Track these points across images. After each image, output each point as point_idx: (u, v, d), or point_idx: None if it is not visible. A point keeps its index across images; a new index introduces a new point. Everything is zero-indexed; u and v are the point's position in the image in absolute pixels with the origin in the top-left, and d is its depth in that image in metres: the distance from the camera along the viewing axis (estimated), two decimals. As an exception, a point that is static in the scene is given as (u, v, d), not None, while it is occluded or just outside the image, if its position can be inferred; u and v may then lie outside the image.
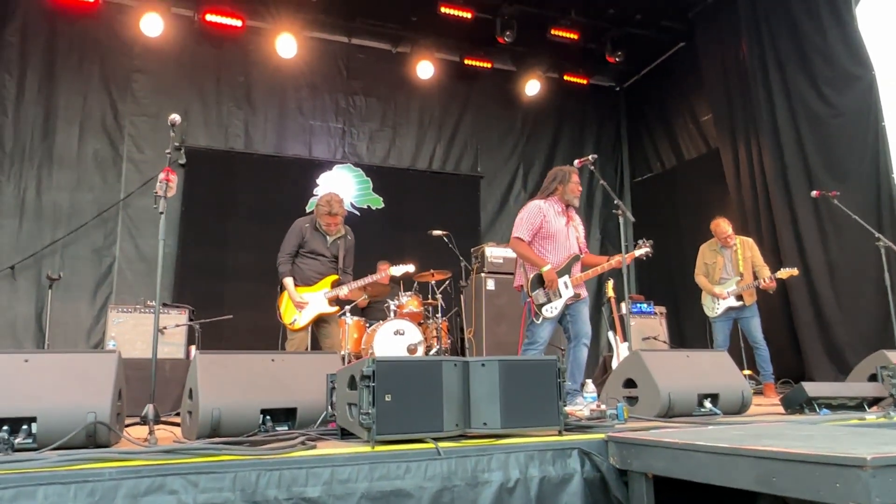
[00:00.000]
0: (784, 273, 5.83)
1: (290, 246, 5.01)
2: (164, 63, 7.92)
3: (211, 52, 8.12)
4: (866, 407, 3.48)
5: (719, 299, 6.12)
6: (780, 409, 3.60)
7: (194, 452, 1.98)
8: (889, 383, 3.61)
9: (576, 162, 4.68)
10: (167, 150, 3.17)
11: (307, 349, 5.76)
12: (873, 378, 3.88)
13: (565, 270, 4.37)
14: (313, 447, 2.20)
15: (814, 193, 5.73)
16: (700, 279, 6.37)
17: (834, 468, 1.63)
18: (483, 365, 2.40)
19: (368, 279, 5.33)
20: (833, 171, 6.88)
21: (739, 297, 6.00)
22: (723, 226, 6.27)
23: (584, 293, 4.46)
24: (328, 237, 5.07)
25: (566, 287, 4.34)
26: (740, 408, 3.46)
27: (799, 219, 6.86)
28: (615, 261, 4.47)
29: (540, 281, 4.33)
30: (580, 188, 4.54)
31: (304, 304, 4.90)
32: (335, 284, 5.05)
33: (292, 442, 2.26)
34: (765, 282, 5.83)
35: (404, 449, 2.17)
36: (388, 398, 2.20)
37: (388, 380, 2.21)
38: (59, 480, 1.79)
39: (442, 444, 2.20)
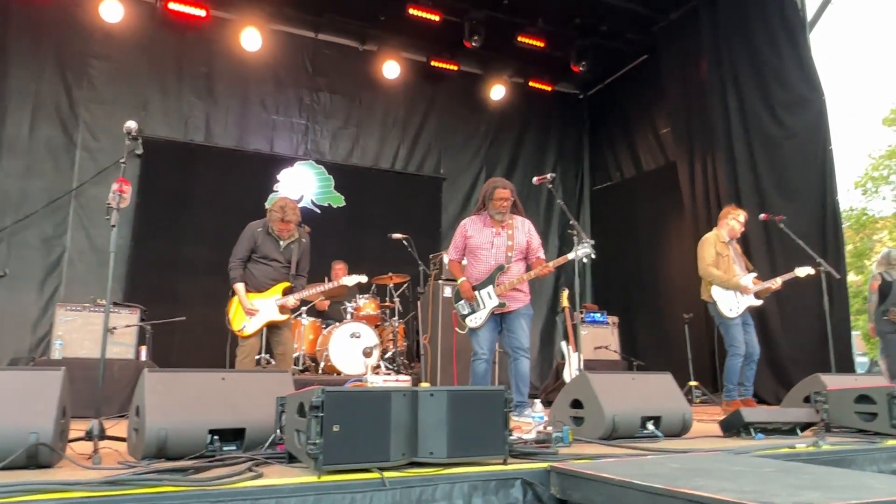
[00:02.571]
0: (802, 272, 5.46)
1: (242, 251, 4.93)
2: (123, 50, 7.73)
3: (173, 42, 7.95)
4: (799, 431, 3.65)
5: (741, 295, 5.47)
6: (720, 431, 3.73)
7: (138, 483, 1.98)
8: (821, 408, 3.79)
9: (535, 180, 4.76)
10: (121, 160, 3.11)
11: (260, 351, 5.74)
12: (808, 400, 4.08)
13: (488, 281, 4.49)
14: (259, 475, 2.21)
15: (762, 217, 5.91)
16: (712, 271, 5.52)
17: (755, 517, 1.72)
18: (432, 395, 2.45)
19: (319, 287, 5.30)
20: (783, 191, 7.13)
21: (759, 297, 5.55)
22: (743, 215, 5.70)
23: (514, 305, 4.50)
24: (281, 241, 5.00)
25: (489, 297, 4.47)
26: (681, 430, 3.59)
27: (749, 236, 7.09)
28: (539, 271, 4.46)
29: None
30: (505, 204, 4.52)
31: (254, 311, 4.84)
32: (287, 291, 5.00)
33: (239, 468, 2.27)
34: (776, 283, 5.46)
35: (350, 479, 2.19)
36: (336, 429, 2.22)
37: (336, 410, 2.24)
38: (-3, 514, 1.77)
39: (388, 475, 2.24)
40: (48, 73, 7.43)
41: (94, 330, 5.22)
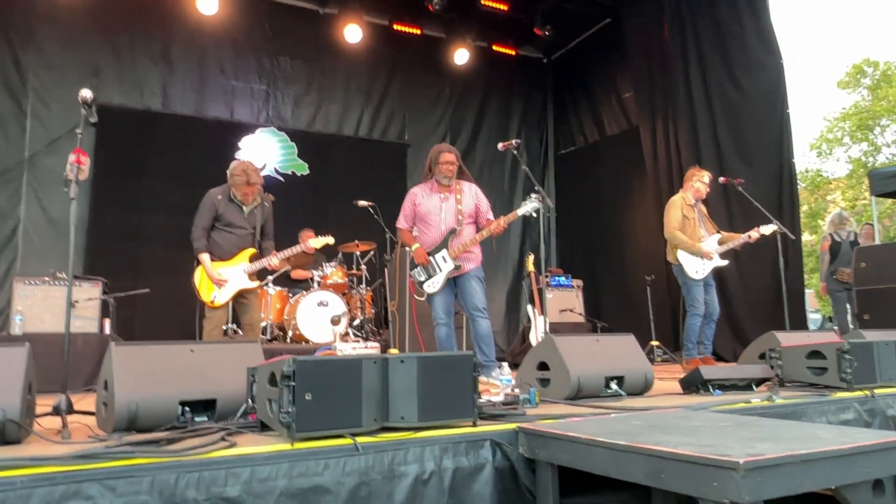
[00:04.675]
0: (767, 229, 5.53)
1: (204, 220, 4.83)
2: (71, 13, 7.42)
3: (125, 4, 7.67)
4: (754, 387, 3.81)
5: (705, 260, 5.55)
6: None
7: (110, 456, 1.98)
8: (775, 364, 3.95)
9: (500, 146, 4.77)
10: (77, 130, 3.02)
11: (227, 322, 5.71)
12: (763, 357, 4.25)
13: (442, 245, 4.56)
14: (233, 444, 2.23)
15: (721, 180, 6.04)
16: (678, 235, 5.59)
17: (712, 469, 1.81)
18: (402, 361, 2.48)
19: (288, 252, 5.18)
20: (742, 154, 7.29)
21: (724, 256, 5.65)
22: (707, 176, 5.77)
23: (469, 266, 4.57)
24: (244, 207, 4.92)
25: (444, 260, 4.54)
26: (643, 389, 3.71)
27: (709, 199, 7.24)
28: (493, 228, 4.50)
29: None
30: (451, 168, 4.58)
31: (223, 281, 4.79)
32: (254, 258, 4.94)
33: (212, 438, 2.29)
34: (751, 237, 5.54)
35: (323, 445, 2.23)
36: (307, 397, 2.25)
37: (308, 379, 2.26)
38: (-33, 491, 1.76)
39: (360, 440, 2.28)
40: (-8, 38, 7.11)
41: (55, 304, 5.12)
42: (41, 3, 7.30)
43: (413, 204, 4.70)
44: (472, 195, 4.71)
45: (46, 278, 5.24)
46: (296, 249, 5.25)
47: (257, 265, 4.90)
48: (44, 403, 2.81)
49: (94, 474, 1.90)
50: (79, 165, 2.91)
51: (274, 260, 4.92)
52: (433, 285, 4.56)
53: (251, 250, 4.94)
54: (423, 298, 4.67)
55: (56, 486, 1.84)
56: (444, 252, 4.54)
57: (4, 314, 6.65)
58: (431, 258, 4.55)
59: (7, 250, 7.06)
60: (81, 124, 3.07)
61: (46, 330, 5.01)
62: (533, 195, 4.48)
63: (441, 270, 4.53)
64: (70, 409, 2.82)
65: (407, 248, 4.79)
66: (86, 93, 3.17)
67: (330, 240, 5.41)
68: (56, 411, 2.80)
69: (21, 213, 7.15)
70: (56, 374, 4.15)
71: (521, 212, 4.53)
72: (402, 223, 4.78)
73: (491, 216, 4.73)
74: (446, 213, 4.60)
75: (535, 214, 4.56)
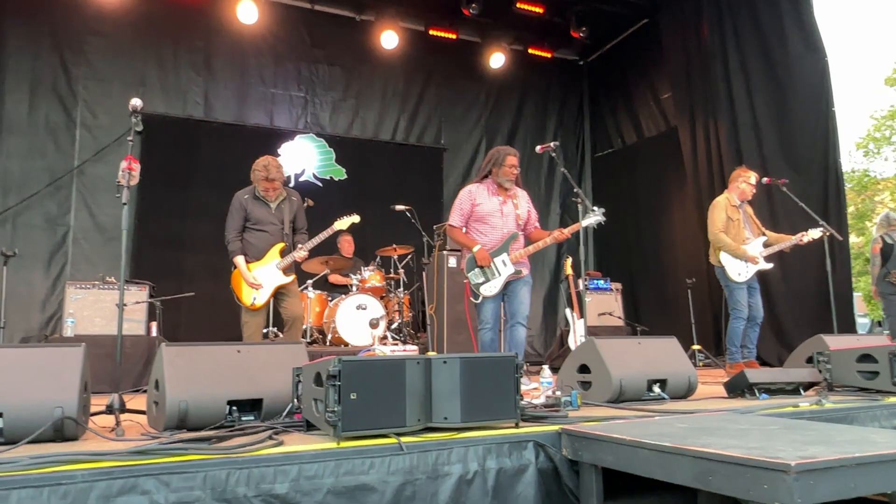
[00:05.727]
0: (816, 233, 5.39)
1: (235, 222, 4.81)
2: (119, 26, 7.66)
3: (169, 16, 7.88)
4: (802, 391, 3.72)
5: (749, 263, 5.42)
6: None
7: (165, 452, 2.05)
8: (823, 368, 3.86)
9: (538, 148, 4.76)
10: (129, 137, 3.12)
11: (268, 325, 5.79)
12: (811, 360, 4.15)
13: (503, 248, 4.45)
14: (280, 442, 2.28)
15: (765, 180, 5.90)
16: (721, 237, 5.47)
17: (762, 471, 1.79)
18: (445, 362, 2.50)
19: (316, 239, 5.00)
20: (785, 154, 7.12)
21: (769, 259, 5.49)
22: (753, 177, 5.64)
23: (525, 272, 4.51)
24: (270, 203, 4.89)
25: (504, 265, 4.42)
26: (686, 392, 3.66)
27: (753, 201, 7.10)
28: (556, 235, 4.46)
29: (476, 261, 4.44)
30: (515, 171, 4.51)
31: (258, 285, 4.76)
32: (284, 252, 4.87)
33: (260, 437, 2.34)
34: (801, 240, 5.37)
35: (368, 444, 2.26)
36: (353, 396, 2.28)
37: (353, 378, 2.30)
38: (32, 484, 1.83)
39: (404, 440, 2.31)
40: (45, 51, 7.39)
41: (105, 307, 5.28)
42: (91, 19, 7.55)
43: (472, 203, 4.53)
44: (526, 202, 4.66)
45: (96, 282, 5.40)
46: (322, 236, 5.05)
47: (288, 259, 4.83)
48: (96, 403, 2.91)
49: (149, 469, 1.96)
50: (130, 171, 3.01)
51: (301, 252, 4.83)
52: (491, 288, 4.41)
53: (281, 244, 4.88)
54: (478, 301, 4.46)
55: (114, 479, 1.91)
56: (504, 256, 4.42)
57: (57, 317, 6.90)
58: (492, 260, 4.43)
59: (58, 256, 7.31)
60: (131, 132, 3.17)
61: (96, 332, 5.18)
62: (597, 208, 4.44)
63: (500, 274, 4.41)
64: (123, 408, 2.91)
65: (463, 249, 4.61)
66: (136, 102, 3.28)
67: (355, 218, 5.26)
68: (109, 410, 2.89)
69: (71, 220, 7.39)
70: (106, 375, 4.31)
71: (585, 223, 4.47)
72: (456, 221, 4.57)
73: (538, 225, 4.71)
74: (507, 216, 4.50)
75: (595, 227, 4.53)
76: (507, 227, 4.51)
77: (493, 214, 4.50)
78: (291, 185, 8.10)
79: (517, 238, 4.51)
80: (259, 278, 4.79)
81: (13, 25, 7.25)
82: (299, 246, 4.90)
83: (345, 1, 8.68)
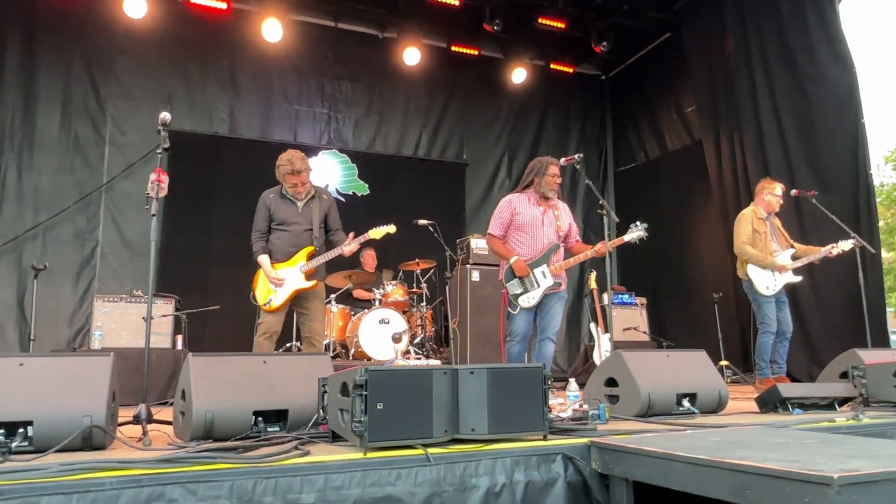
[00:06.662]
0: (847, 245, 5.33)
1: (261, 222, 4.59)
2: (147, 45, 7.82)
3: (195, 35, 8.03)
4: (837, 406, 3.62)
5: (777, 274, 5.38)
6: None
7: (192, 461, 2.04)
8: (859, 383, 3.76)
9: (562, 160, 4.72)
10: (158, 151, 3.16)
11: (290, 339, 5.80)
12: (844, 375, 4.04)
13: (543, 260, 4.39)
14: (306, 453, 2.27)
15: (793, 192, 5.82)
16: (747, 249, 5.43)
17: (803, 484, 1.73)
18: (472, 373, 2.47)
19: (361, 238, 4.65)
20: (814, 167, 7.01)
21: (797, 272, 5.43)
22: (779, 188, 5.57)
23: (563, 286, 4.44)
24: (298, 202, 4.59)
25: (544, 276, 4.36)
26: (717, 407, 3.58)
27: (781, 214, 7.00)
28: (599, 248, 4.37)
29: (514, 272, 4.37)
30: (557, 181, 4.49)
31: (280, 280, 4.47)
32: (311, 256, 4.56)
33: (286, 447, 2.33)
34: (831, 252, 5.30)
35: (395, 455, 2.24)
36: (379, 406, 2.26)
37: (379, 388, 2.28)
38: (62, 490, 1.83)
39: (431, 451, 2.28)
40: (75, 70, 7.56)
41: (132, 320, 5.34)
42: (119, 39, 7.72)
43: (512, 213, 4.46)
44: (567, 214, 4.62)
45: (124, 295, 5.47)
46: (361, 239, 4.68)
47: (314, 262, 4.53)
48: (123, 415, 2.92)
49: (177, 478, 1.96)
50: (159, 184, 3.04)
51: (348, 247, 4.50)
52: (530, 299, 4.34)
53: (310, 248, 4.58)
54: (515, 312, 4.37)
55: (142, 487, 1.91)
56: (543, 267, 4.35)
57: (85, 330, 6.98)
58: (531, 271, 4.37)
59: (87, 270, 7.41)
60: (161, 146, 3.21)
61: (124, 345, 5.23)
62: (639, 223, 4.43)
63: (539, 286, 4.34)
64: (150, 419, 2.92)
65: (503, 259, 4.49)
66: (165, 115, 3.32)
67: (391, 228, 4.88)
68: (136, 420, 2.90)
69: (99, 235, 7.51)
70: (133, 387, 4.34)
71: (627, 238, 4.44)
72: (496, 230, 4.50)
73: (580, 239, 4.66)
74: (547, 226, 4.45)
75: (637, 243, 4.49)
76: (548, 237, 4.46)
77: (534, 224, 4.45)
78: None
79: (558, 249, 4.45)
80: (281, 275, 4.52)
81: (45, 47, 7.44)
82: (348, 240, 4.55)
83: (368, 19, 8.78)
